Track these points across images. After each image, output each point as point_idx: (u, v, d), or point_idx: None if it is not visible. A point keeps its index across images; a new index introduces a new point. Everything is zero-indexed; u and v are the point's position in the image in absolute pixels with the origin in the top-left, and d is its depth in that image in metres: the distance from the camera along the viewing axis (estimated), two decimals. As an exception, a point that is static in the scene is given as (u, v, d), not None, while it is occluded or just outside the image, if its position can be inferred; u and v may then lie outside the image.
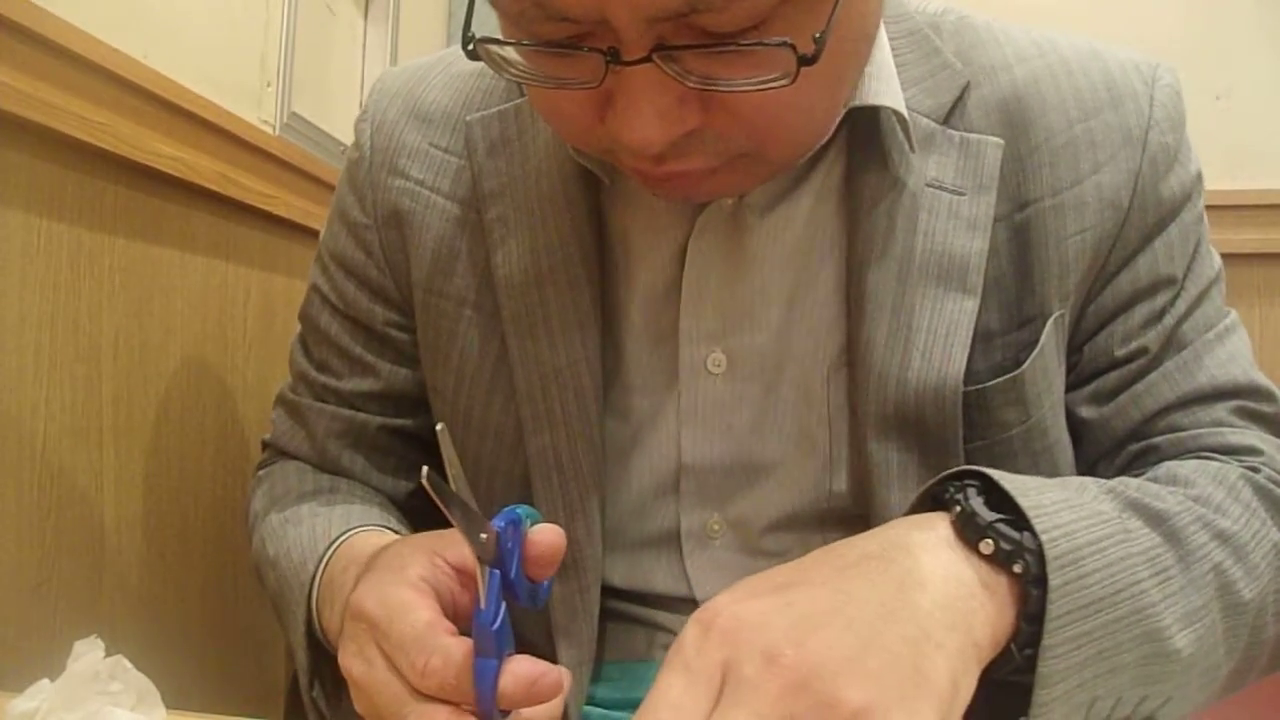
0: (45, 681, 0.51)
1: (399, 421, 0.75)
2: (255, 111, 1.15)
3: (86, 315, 0.85)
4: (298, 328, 0.79)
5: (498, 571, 0.44)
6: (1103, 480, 0.56)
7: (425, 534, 0.53)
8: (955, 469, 0.51)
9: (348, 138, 1.45)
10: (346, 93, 1.45)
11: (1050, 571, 0.45)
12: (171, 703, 0.54)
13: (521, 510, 0.47)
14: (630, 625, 0.69)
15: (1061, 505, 0.48)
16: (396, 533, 0.66)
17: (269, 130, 1.17)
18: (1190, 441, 0.63)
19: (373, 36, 1.52)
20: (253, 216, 1.10)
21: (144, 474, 0.93)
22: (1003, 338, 0.64)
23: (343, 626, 0.50)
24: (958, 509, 0.47)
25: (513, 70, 0.50)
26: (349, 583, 0.53)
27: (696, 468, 0.67)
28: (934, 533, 0.47)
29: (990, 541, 0.46)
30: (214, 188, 1.00)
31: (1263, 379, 0.66)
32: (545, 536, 0.47)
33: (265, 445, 0.81)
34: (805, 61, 0.45)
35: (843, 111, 0.60)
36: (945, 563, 0.45)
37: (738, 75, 0.47)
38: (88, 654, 0.51)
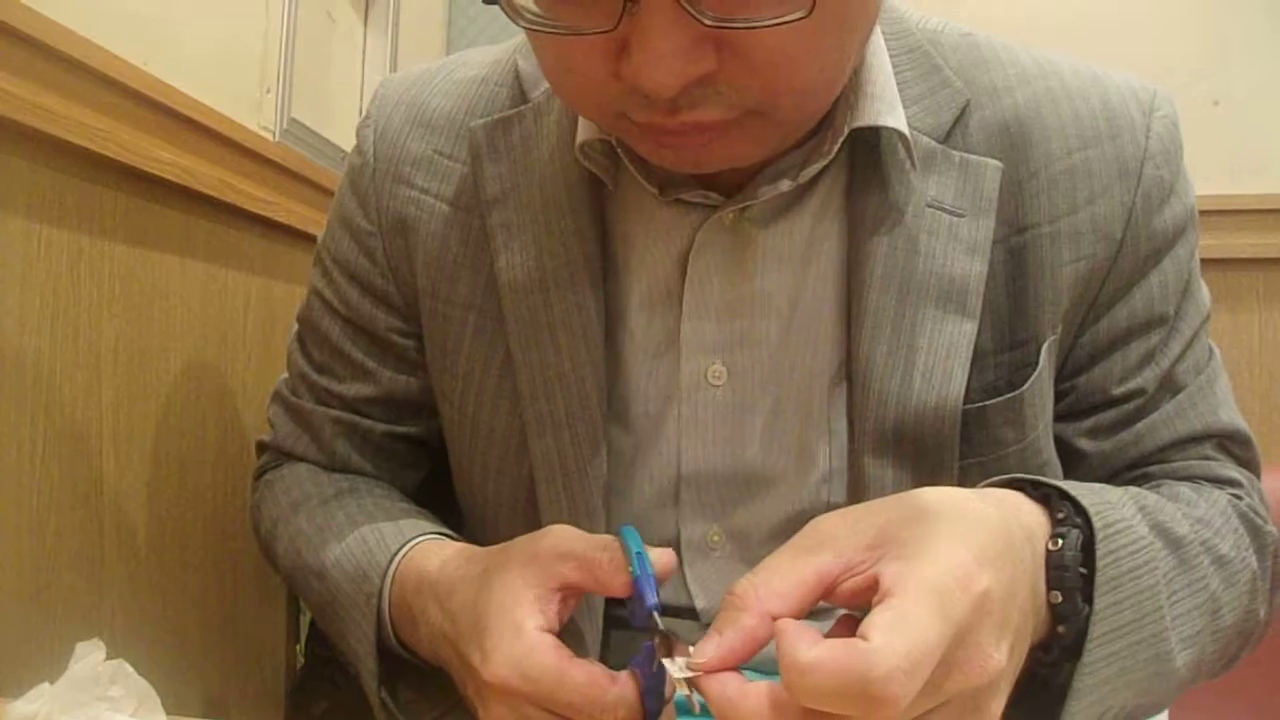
0: (45, 685, 0.51)
1: (402, 429, 0.76)
2: (255, 118, 1.15)
3: (86, 321, 0.85)
4: (295, 328, 0.79)
5: (650, 644, 0.50)
6: (1134, 491, 0.59)
7: (508, 565, 0.54)
8: (1051, 482, 0.54)
9: (348, 144, 1.45)
10: (346, 99, 1.45)
11: (1097, 595, 0.50)
12: (172, 708, 0.54)
13: (630, 537, 0.53)
14: (632, 632, 0.69)
15: (1122, 528, 0.52)
16: (446, 535, 0.66)
17: (269, 136, 1.17)
18: (1181, 471, 0.67)
19: (372, 43, 1.52)
20: (252, 222, 1.10)
21: (144, 480, 0.93)
22: (996, 358, 0.64)
23: (474, 687, 0.54)
24: (1058, 542, 0.51)
25: (528, 18, 0.50)
26: (429, 608, 0.59)
27: (696, 478, 0.67)
28: (1038, 545, 0.51)
29: (1058, 593, 0.50)
30: (214, 194, 1.00)
31: (1243, 424, 0.70)
32: (664, 559, 0.53)
33: (264, 447, 0.81)
34: None
35: (848, 122, 0.60)
36: (1036, 574, 0.50)
37: (754, 12, 0.47)
38: (89, 655, 0.51)
